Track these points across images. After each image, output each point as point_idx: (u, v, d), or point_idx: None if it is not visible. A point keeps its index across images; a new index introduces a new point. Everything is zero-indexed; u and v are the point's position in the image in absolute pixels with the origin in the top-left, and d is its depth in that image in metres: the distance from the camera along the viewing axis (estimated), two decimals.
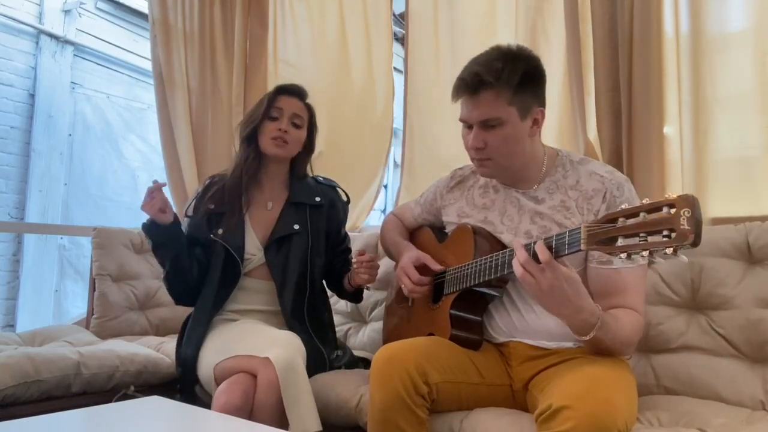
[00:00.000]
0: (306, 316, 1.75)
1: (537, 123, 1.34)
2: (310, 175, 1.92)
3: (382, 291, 2.14)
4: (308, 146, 1.86)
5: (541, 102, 1.34)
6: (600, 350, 1.23)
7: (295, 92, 1.81)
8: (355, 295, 1.86)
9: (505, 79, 1.26)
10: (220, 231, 1.74)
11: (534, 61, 1.32)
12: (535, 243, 1.12)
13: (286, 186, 1.85)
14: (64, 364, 1.73)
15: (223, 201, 1.77)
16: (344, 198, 1.92)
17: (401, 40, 3.01)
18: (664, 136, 1.73)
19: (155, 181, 1.60)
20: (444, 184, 1.61)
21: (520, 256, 1.11)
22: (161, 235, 1.65)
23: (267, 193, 1.83)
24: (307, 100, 1.84)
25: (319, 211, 1.82)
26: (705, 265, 1.50)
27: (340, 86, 2.71)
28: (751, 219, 1.52)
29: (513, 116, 1.29)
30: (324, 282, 1.90)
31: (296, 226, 1.77)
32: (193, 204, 1.82)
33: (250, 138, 1.79)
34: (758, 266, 1.45)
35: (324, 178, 1.93)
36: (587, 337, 1.15)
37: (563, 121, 2.01)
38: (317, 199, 1.83)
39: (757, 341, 1.40)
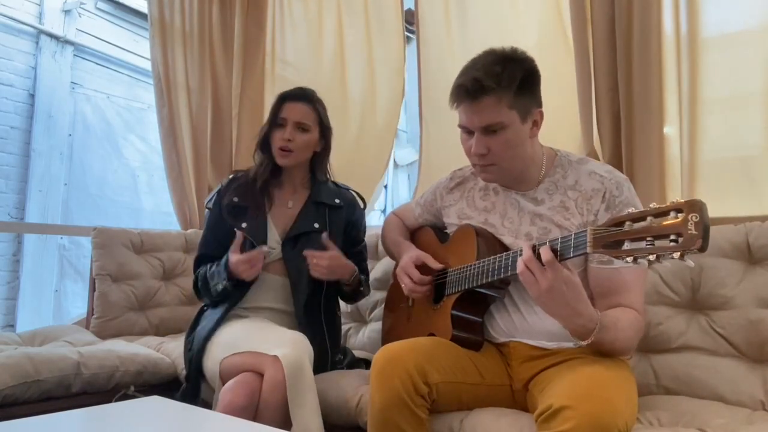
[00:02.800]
0: (322, 314, 1.76)
1: (536, 124, 1.34)
2: (331, 179, 1.94)
3: (382, 291, 2.14)
4: (324, 146, 1.86)
5: (539, 103, 1.34)
6: (600, 352, 1.23)
7: (299, 96, 1.81)
8: (351, 295, 1.85)
9: (505, 83, 1.25)
10: (244, 225, 1.76)
11: (530, 62, 1.31)
12: (541, 245, 1.12)
13: (307, 186, 1.87)
14: (64, 364, 1.73)
15: (247, 195, 1.80)
16: (361, 204, 1.94)
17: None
18: (664, 136, 1.73)
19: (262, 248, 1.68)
20: (444, 185, 1.61)
21: (525, 254, 1.12)
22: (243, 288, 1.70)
23: (288, 192, 1.86)
24: (316, 100, 1.84)
25: (338, 212, 1.84)
26: (705, 265, 1.50)
27: (339, 85, 2.70)
28: (751, 219, 1.52)
29: (515, 120, 1.29)
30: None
31: (316, 225, 1.79)
32: (215, 197, 1.85)
33: (263, 146, 1.82)
34: (758, 266, 1.45)
35: (342, 183, 1.95)
36: (585, 342, 1.15)
37: (572, 121, 1.99)
38: (337, 200, 1.85)
39: (757, 341, 1.40)
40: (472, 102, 1.28)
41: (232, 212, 1.78)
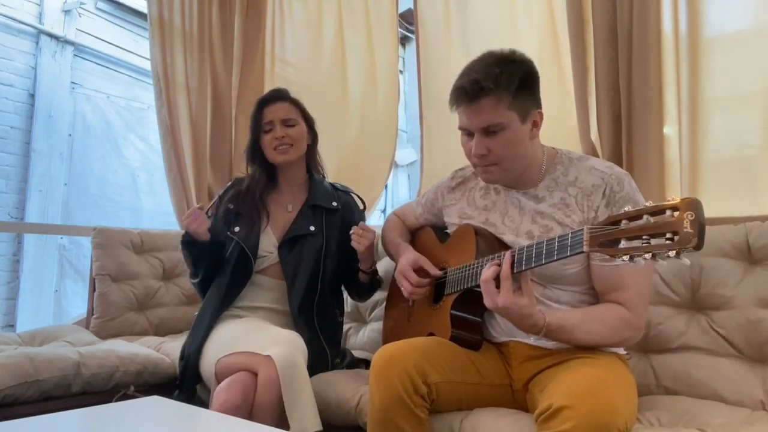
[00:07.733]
0: (315, 316, 1.76)
1: (536, 125, 1.35)
2: (327, 179, 1.97)
3: (382, 291, 2.14)
4: (313, 138, 1.92)
5: (538, 104, 1.35)
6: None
7: (276, 98, 1.87)
8: (369, 286, 1.86)
9: (504, 85, 1.26)
10: (237, 229, 1.80)
11: (528, 64, 1.32)
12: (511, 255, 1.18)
13: (305, 188, 1.90)
14: (64, 364, 1.73)
15: (242, 203, 1.83)
16: (360, 205, 1.96)
17: (401, 40, 3.00)
18: (664, 136, 1.73)
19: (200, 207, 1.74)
20: (445, 184, 1.61)
21: (502, 268, 1.18)
22: (198, 251, 1.76)
23: (287, 195, 1.89)
24: (292, 97, 1.89)
25: (334, 215, 1.86)
26: (705, 265, 1.50)
27: (339, 85, 2.70)
28: (751, 219, 1.52)
29: (514, 120, 1.29)
30: (341, 285, 1.93)
31: (311, 228, 1.81)
32: (214, 204, 1.90)
33: (254, 157, 1.86)
34: (758, 266, 1.45)
35: (341, 185, 1.98)
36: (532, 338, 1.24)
37: (573, 121, 1.99)
38: (334, 203, 1.88)
39: (757, 341, 1.40)
40: (472, 103, 1.28)
41: (227, 219, 1.83)
